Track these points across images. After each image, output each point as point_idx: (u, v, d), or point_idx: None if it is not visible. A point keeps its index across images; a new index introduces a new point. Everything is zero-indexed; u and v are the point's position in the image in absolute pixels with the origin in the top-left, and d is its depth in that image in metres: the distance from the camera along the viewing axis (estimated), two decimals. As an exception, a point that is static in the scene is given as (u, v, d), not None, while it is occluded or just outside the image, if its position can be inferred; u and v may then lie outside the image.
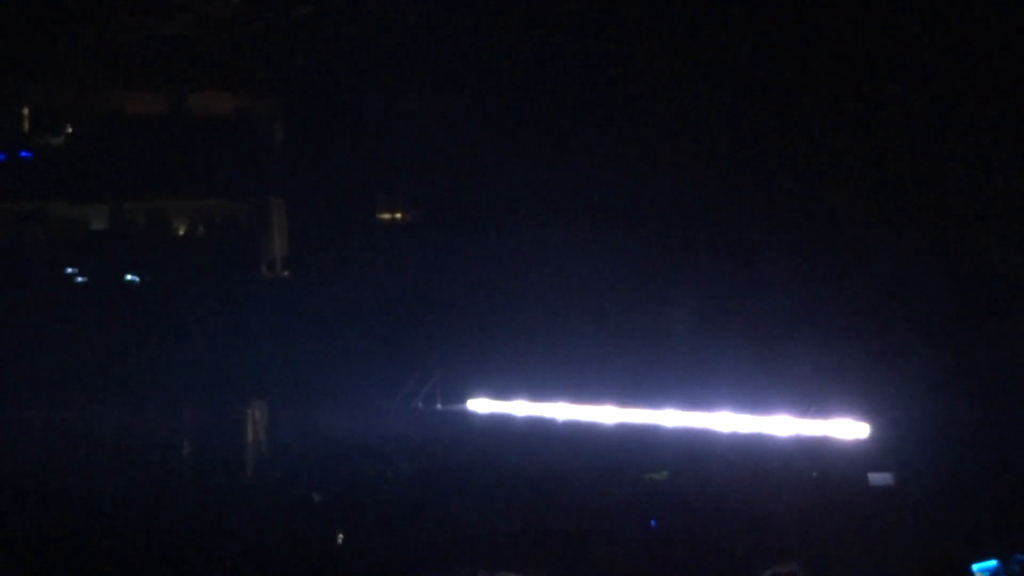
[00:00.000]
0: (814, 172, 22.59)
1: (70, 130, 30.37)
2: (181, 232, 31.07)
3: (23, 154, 29.50)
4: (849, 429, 20.49)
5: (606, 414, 24.11)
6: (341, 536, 23.78)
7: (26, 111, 30.15)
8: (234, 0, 25.72)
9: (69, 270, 29.36)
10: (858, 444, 20.31)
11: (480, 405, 26.78)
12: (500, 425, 25.87)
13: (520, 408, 25.78)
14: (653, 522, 21.76)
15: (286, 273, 30.98)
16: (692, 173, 24.29)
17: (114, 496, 26.08)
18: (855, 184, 22.20)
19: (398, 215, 31.63)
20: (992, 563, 17.33)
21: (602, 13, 24.69)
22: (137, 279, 29.71)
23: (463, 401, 26.97)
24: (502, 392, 26.20)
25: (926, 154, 21.67)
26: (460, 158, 28.39)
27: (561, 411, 24.96)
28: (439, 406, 27.14)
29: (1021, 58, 20.36)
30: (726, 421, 22.08)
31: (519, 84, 27.00)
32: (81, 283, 29.35)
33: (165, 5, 26.29)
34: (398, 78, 29.69)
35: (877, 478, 19.95)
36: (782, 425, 21.27)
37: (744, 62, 23.36)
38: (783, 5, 22.33)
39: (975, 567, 17.23)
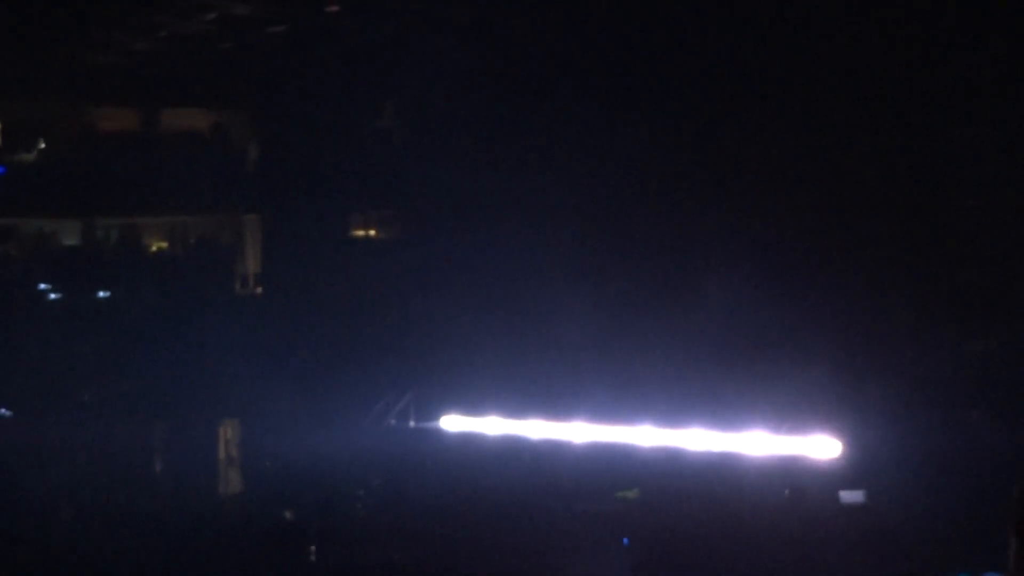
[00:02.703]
0: (789, 193, 22.74)
1: (43, 146, 30.28)
2: (154, 248, 31.01)
3: (-4, 169, 29.42)
4: (821, 447, 20.62)
5: (578, 432, 24.18)
6: (313, 552, 23.76)
7: (-1, 127, 30.08)
8: (208, 17, 25.67)
9: (41, 286, 29.25)
10: (830, 462, 20.45)
11: (453, 422, 26.80)
12: (473, 443, 25.88)
13: (493, 426, 25.81)
14: (626, 540, 21.82)
15: (259, 290, 30.94)
16: (668, 192, 24.44)
17: (85, 513, 26.00)
18: (829, 204, 22.37)
19: (372, 232, 31.66)
20: (965, 579, 17.48)
21: (575, 32, 24.83)
22: (110, 295, 29.63)
23: (436, 419, 26.98)
24: (475, 410, 26.22)
25: (898, 175, 21.88)
26: (434, 176, 28.45)
27: (534, 429, 25.01)
28: (412, 423, 27.14)
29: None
30: (698, 439, 22.18)
31: (495, 101, 27.10)
32: (53, 299, 29.24)
33: (139, 22, 26.26)
34: (373, 95, 29.77)
35: (848, 496, 20.08)
36: (754, 443, 21.39)
37: (713, 83, 23.56)
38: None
39: (946, 584, 17.39)
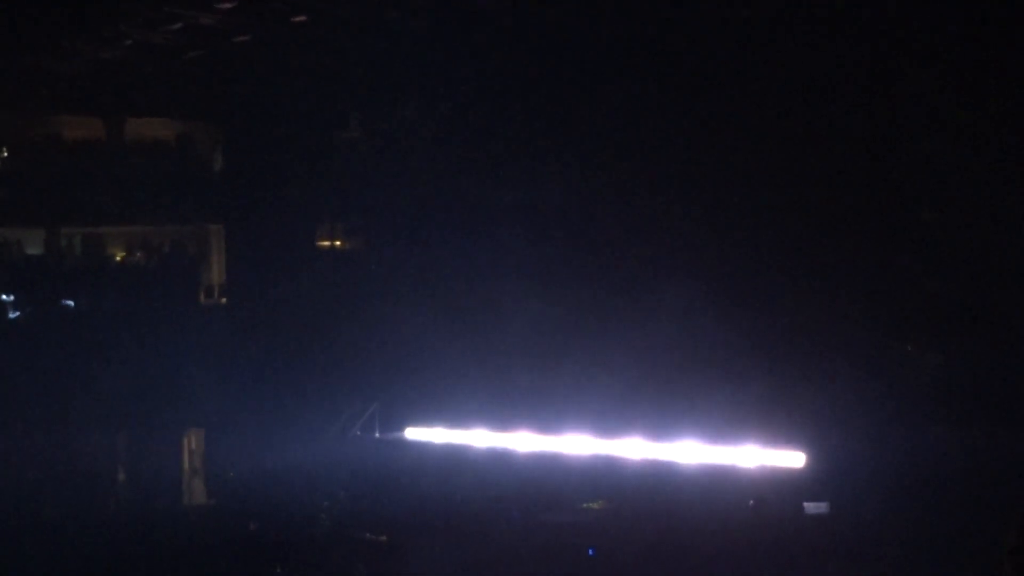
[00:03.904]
0: (753, 208, 22.88)
1: (6, 154, 30.14)
2: (118, 258, 30.89)
3: (-42, 178, 29.25)
4: (785, 459, 20.75)
5: (545, 444, 24.22)
6: (278, 563, 23.69)
7: (-39, 135, 29.92)
8: (174, 27, 25.59)
9: (3, 296, 29.07)
10: (794, 473, 20.58)
11: (418, 434, 26.80)
12: (439, 454, 25.90)
13: (459, 437, 25.82)
14: (592, 550, 21.88)
15: (224, 300, 30.86)
16: (632, 205, 24.54)
17: (47, 522, 25.83)
18: (792, 218, 22.52)
19: (337, 243, 31.64)
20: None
21: (538, 45, 24.94)
22: (73, 305, 29.48)
23: (402, 430, 26.97)
24: (441, 421, 26.24)
25: (860, 190, 22.03)
26: (399, 189, 28.48)
27: (500, 440, 25.03)
28: (377, 435, 27.13)
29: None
30: (664, 451, 22.26)
31: (460, 114, 27.16)
32: (16, 309, 29.08)
33: (105, 31, 26.16)
34: (339, 106, 29.77)
35: (812, 507, 20.21)
36: (719, 454, 21.49)
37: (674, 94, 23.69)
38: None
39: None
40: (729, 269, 22.86)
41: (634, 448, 22.61)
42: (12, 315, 28.96)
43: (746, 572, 19.15)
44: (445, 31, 24.46)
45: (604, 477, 22.95)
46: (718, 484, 21.09)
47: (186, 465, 29.72)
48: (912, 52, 20.78)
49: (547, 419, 24.22)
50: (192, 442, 29.84)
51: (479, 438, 25.36)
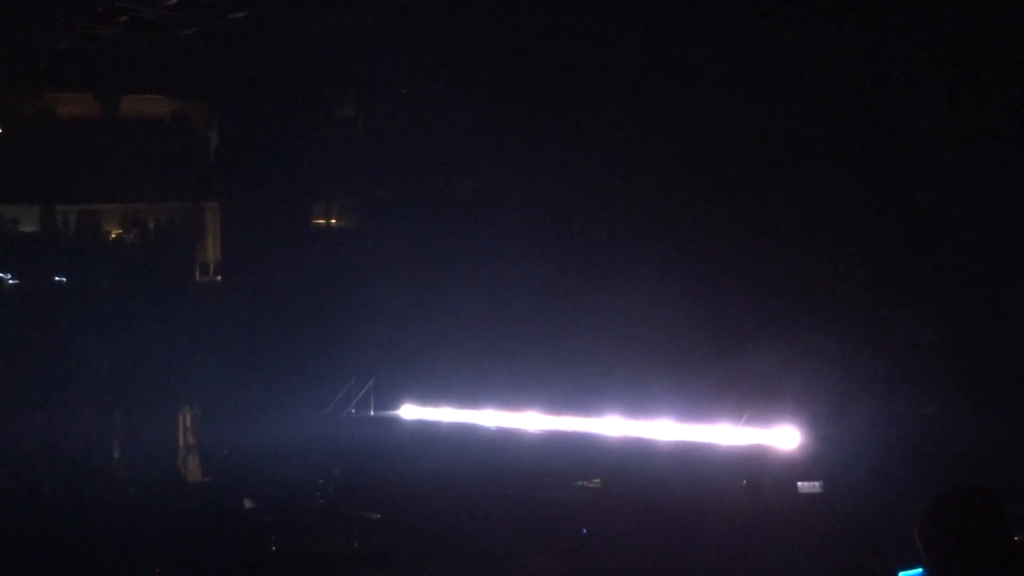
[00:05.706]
0: (745, 189, 22.87)
1: (1, 131, 30.09)
2: (113, 236, 30.88)
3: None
4: (779, 438, 20.76)
5: (539, 422, 24.23)
6: (273, 540, 23.71)
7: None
8: (170, 3, 25.50)
9: (-1, 273, 29.14)
10: (788, 453, 20.59)
11: (413, 412, 26.82)
12: (433, 432, 25.92)
13: (453, 415, 25.84)
14: (585, 530, 21.90)
15: (219, 278, 30.86)
16: (626, 184, 24.53)
17: (42, 499, 25.85)
18: (786, 198, 22.51)
19: (332, 222, 31.63)
20: (918, 571, 17.62)
21: (539, 24, 24.89)
22: (67, 282, 29.49)
23: (396, 408, 26.99)
24: (435, 399, 26.26)
25: (854, 168, 22.02)
26: (395, 168, 28.44)
27: (494, 419, 25.05)
28: (372, 412, 27.14)
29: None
30: (657, 430, 22.27)
31: (458, 92, 27.12)
32: (11, 286, 29.07)
33: (100, 7, 26.07)
34: (335, 83, 29.72)
35: (806, 486, 20.21)
36: (712, 434, 21.50)
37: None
38: None
39: (901, 575, 17.53)
40: (723, 248, 22.85)
41: (627, 427, 22.62)
42: (7, 292, 28.96)
43: (739, 552, 19.15)
44: (444, 7, 24.40)
45: (598, 456, 22.97)
46: (711, 464, 21.10)
47: (181, 443, 29.75)
48: (907, 32, 20.74)
49: (542, 398, 24.23)
50: (187, 420, 29.86)
51: (474, 416, 25.37)
